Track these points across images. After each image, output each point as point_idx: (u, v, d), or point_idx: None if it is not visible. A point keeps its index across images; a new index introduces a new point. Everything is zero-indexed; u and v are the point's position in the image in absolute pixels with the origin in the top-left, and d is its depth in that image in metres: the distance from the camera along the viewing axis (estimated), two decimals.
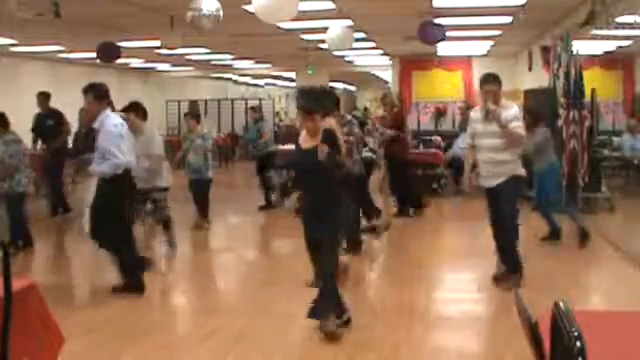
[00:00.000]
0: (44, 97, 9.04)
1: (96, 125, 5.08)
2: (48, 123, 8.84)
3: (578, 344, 1.45)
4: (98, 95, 5.07)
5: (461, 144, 11.51)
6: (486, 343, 4.18)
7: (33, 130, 9.14)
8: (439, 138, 11.94)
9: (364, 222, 7.32)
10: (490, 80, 5.29)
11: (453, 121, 15.06)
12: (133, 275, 5.20)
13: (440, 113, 15.17)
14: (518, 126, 5.18)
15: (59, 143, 8.85)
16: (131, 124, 6.28)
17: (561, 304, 1.61)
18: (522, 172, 5.42)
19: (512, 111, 5.23)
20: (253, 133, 10.02)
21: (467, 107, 11.52)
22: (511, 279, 5.26)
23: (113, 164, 5.03)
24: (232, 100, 20.07)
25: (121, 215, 5.19)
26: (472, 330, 4.40)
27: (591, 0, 7.55)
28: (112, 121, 5.13)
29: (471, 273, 6.19)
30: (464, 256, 6.81)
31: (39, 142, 9.24)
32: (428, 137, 12.33)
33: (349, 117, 6.65)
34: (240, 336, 4.24)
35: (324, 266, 4.22)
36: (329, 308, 4.16)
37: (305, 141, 4.29)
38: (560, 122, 8.78)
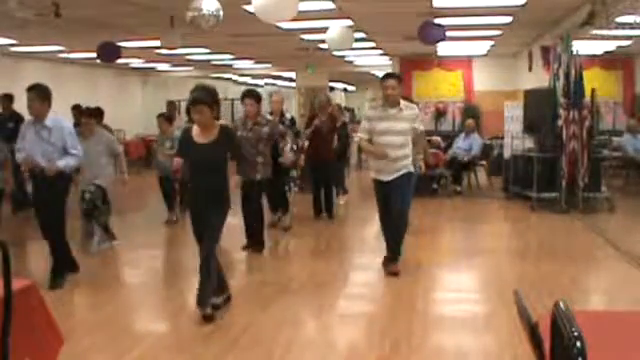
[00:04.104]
0: (7, 99, 9.06)
1: (49, 123, 5.25)
2: (9, 126, 8.85)
3: (578, 344, 1.45)
4: (41, 96, 5.24)
5: (461, 144, 11.55)
6: (486, 343, 4.17)
7: None
8: (439, 138, 11.94)
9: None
10: (389, 76, 5.69)
11: (453, 121, 15.08)
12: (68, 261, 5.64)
13: (440, 113, 15.17)
14: (419, 122, 5.70)
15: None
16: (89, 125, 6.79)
17: (561, 304, 1.61)
18: (412, 168, 5.73)
19: (413, 111, 5.67)
20: None
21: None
22: (397, 263, 5.77)
23: (78, 158, 5.33)
24: (232, 100, 20.07)
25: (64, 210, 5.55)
26: (472, 330, 4.40)
27: (591, 0, 7.55)
28: (66, 121, 5.55)
29: (471, 273, 6.20)
30: (464, 256, 6.81)
31: None
32: (428, 137, 12.30)
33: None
34: (240, 335, 4.24)
35: (204, 252, 4.51)
36: (209, 293, 4.53)
37: (198, 136, 4.50)
38: (560, 122, 8.79)
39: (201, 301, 4.50)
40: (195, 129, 4.53)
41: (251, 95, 6.58)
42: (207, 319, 4.45)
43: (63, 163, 5.21)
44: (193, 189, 4.66)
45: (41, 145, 5.21)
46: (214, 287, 4.57)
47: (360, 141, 5.95)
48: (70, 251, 5.72)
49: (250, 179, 6.33)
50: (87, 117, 6.96)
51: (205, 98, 4.40)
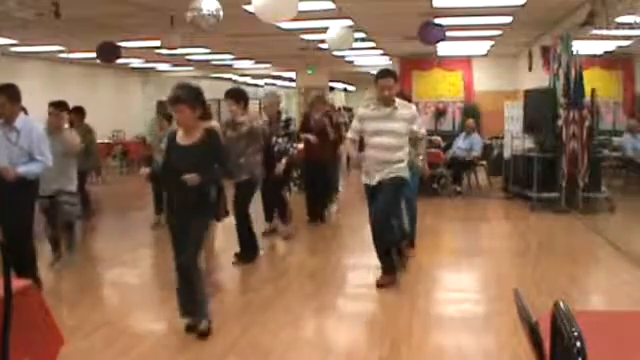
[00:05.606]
0: None
1: (18, 125, 4.96)
2: None
3: (578, 344, 1.45)
4: (12, 97, 4.98)
5: (461, 144, 11.55)
6: (486, 343, 4.17)
7: None
8: (439, 138, 11.94)
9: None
10: (385, 74, 5.26)
11: (453, 121, 15.08)
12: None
13: (440, 113, 15.17)
14: (419, 124, 5.33)
15: None
16: (57, 122, 6.18)
17: (561, 304, 1.60)
18: (407, 175, 5.35)
19: (410, 111, 5.29)
20: None
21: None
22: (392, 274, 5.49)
23: (44, 166, 5.02)
24: None
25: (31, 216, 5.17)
26: (472, 330, 4.40)
27: (591, 0, 7.56)
28: (37, 124, 5.16)
29: (471, 273, 6.20)
30: (464, 256, 6.81)
31: None
32: (428, 137, 12.28)
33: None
34: (240, 336, 4.24)
35: (184, 262, 4.19)
36: (203, 306, 4.25)
37: (182, 137, 4.21)
38: (560, 122, 8.80)
39: (185, 312, 4.30)
40: (180, 130, 4.25)
41: (230, 96, 6.25)
42: (194, 331, 4.22)
43: (24, 169, 4.88)
44: (170, 196, 4.31)
45: (9, 148, 4.92)
46: (202, 300, 4.25)
47: (347, 140, 5.64)
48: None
49: (241, 181, 6.18)
50: (54, 107, 6.22)
51: (185, 96, 4.10)
